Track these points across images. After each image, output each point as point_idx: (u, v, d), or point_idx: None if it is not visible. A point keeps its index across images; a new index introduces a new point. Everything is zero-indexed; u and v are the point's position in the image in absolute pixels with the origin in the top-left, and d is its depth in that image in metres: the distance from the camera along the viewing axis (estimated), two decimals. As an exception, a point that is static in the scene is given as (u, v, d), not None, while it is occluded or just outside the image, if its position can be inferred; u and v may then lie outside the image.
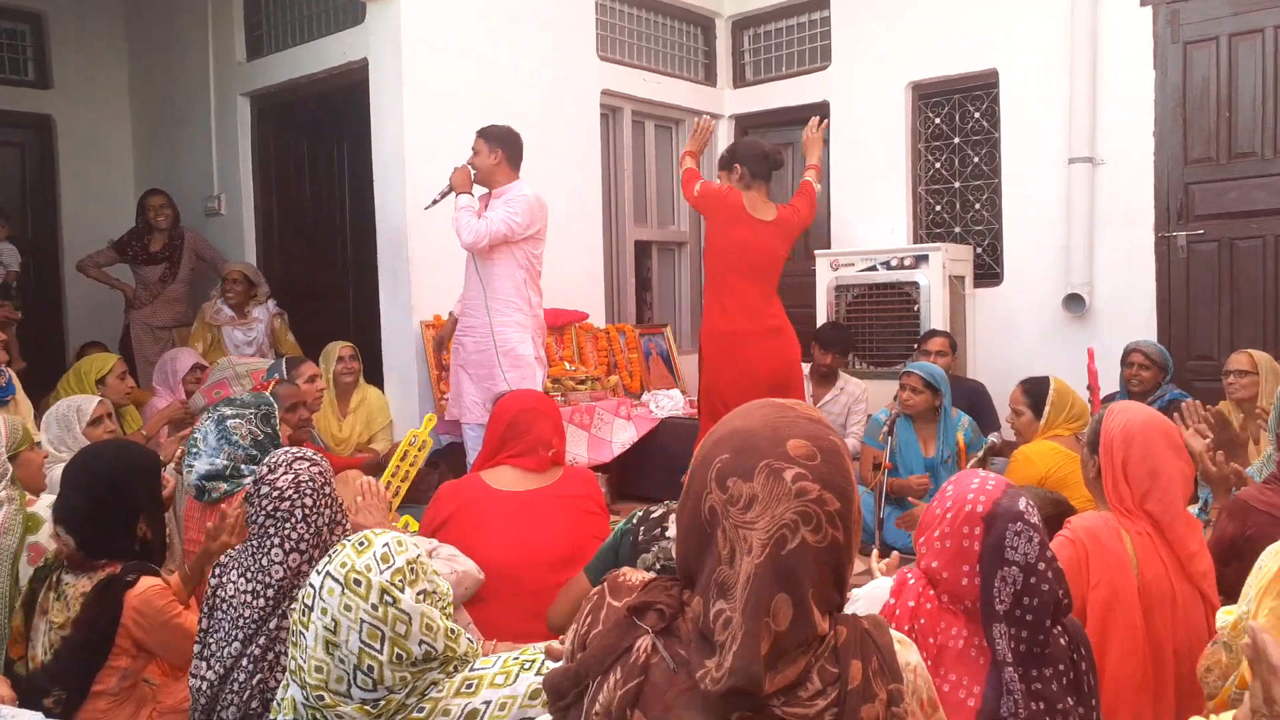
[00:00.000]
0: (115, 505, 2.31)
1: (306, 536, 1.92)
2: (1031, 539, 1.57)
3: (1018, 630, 1.55)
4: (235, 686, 1.90)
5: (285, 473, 1.97)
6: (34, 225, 6.27)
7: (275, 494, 1.94)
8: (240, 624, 1.93)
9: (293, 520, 1.92)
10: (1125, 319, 5.19)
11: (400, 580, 1.49)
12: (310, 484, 1.96)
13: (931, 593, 1.63)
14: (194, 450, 2.79)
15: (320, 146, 6.31)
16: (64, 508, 2.33)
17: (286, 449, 2.10)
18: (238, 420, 2.81)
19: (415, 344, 4.89)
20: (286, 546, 1.92)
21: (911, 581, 1.66)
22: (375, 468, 4.16)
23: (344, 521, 2.03)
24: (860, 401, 5.07)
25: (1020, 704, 1.49)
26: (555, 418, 2.90)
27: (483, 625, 2.48)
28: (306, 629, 1.51)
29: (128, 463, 2.41)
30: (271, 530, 1.93)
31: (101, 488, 2.32)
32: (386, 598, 1.47)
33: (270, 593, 1.92)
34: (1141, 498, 2.09)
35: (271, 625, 1.90)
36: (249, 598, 1.93)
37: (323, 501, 1.96)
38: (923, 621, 1.62)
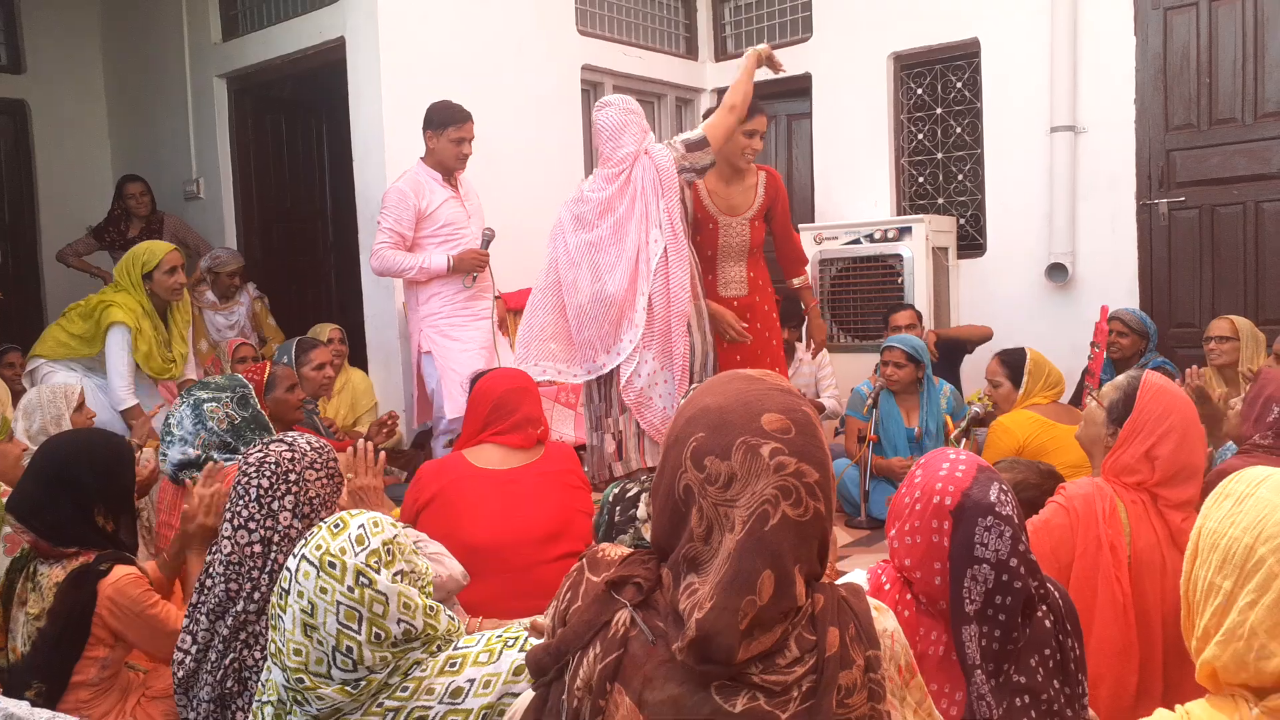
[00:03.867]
0: (63, 496, 2.25)
1: (256, 515, 1.87)
2: (1003, 534, 1.47)
3: (990, 629, 1.47)
4: (209, 666, 1.89)
5: (258, 452, 1.94)
6: (10, 212, 6.20)
7: (244, 468, 1.92)
8: (208, 600, 1.92)
9: (246, 498, 1.88)
10: (1107, 287, 5.20)
11: (376, 561, 1.49)
12: (274, 466, 1.90)
13: (909, 596, 1.56)
14: (168, 436, 2.75)
15: (299, 127, 6.25)
16: (14, 497, 2.29)
17: (284, 434, 2.04)
18: (213, 404, 2.76)
19: (398, 325, 4.87)
20: (235, 523, 1.88)
21: (887, 586, 1.58)
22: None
23: (319, 510, 1.95)
24: (824, 366, 5.08)
25: (992, 706, 1.43)
26: (538, 396, 2.91)
27: (471, 604, 2.48)
28: (285, 612, 1.51)
29: (82, 453, 2.32)
30: (229, 504, 1.92)
31: (50, 478, 2.26)
32: (362, 579, 1.47)
33: (221, 569, 1.89)
34: (1159, 483, 2.08)
35: (238, 607, 1.88)
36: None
37: (283, 486, 1.89)
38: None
